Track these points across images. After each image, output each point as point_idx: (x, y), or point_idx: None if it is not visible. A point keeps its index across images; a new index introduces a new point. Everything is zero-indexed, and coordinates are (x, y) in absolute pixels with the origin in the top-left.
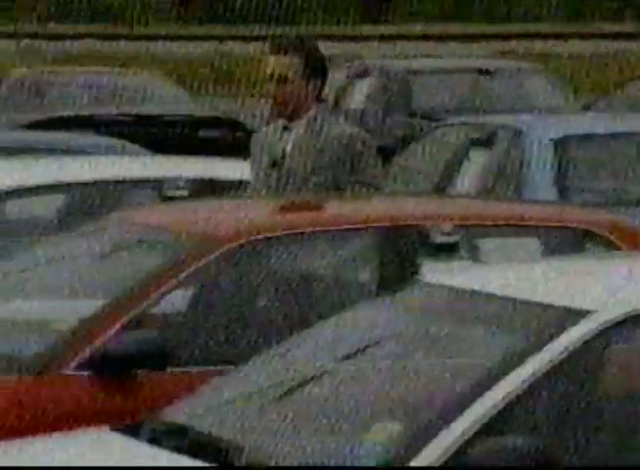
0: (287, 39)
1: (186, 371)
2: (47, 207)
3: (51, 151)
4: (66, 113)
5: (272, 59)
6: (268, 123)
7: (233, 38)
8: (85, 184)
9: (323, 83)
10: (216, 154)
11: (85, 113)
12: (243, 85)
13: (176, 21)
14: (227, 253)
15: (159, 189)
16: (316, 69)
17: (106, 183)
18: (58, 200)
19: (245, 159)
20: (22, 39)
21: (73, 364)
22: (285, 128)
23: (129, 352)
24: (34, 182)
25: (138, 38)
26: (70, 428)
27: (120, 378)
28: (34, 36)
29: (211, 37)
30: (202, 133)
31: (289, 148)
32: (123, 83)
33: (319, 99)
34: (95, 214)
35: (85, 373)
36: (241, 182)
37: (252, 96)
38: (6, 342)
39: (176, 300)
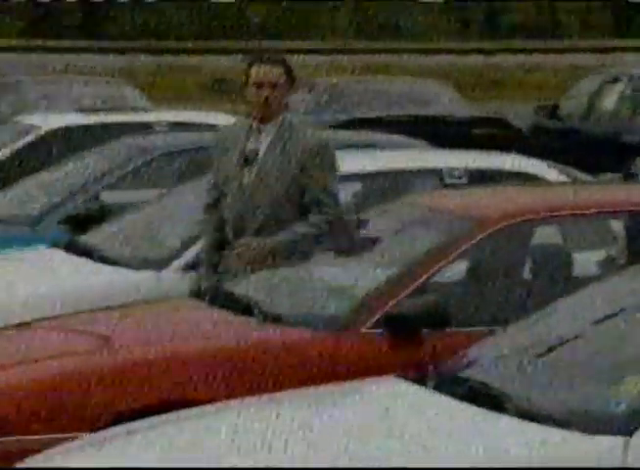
0: (273, 53)
1: (462, 331)
2: (348, 192)
3: (353, 146)
4: (364, 114)
5: (261, 68)
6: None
7: (503, 51)
8: (380, 173)
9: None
10: (488, 148)
11: (380, 114)
12: (509, 91)
13: (455, 38)
14: (497, 231)
15: (440, 177)
16: (291, 80)
17: (396, 172)
18: (357, 186)
19: (511, 153)
20: (328, 55)
21: (369, 323)
22: (258, 130)
23: (415, 313)
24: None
25: (424, 52)
26: (363, 377)
27: (408, 336)
28: (336, 52)
29: (488, 51)
30: (475, 131)
31: (263, 147)
32: (412, 90)
33: (286, 106)
34: (388, 199)
35: (378, 331)
36: (510, 173)
37: (517, 99)
38: (312, 303)
39: (455, 271)
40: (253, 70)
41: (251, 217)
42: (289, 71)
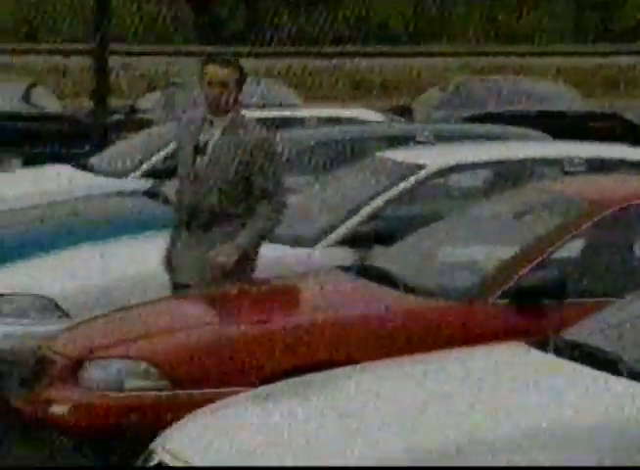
0: (227, 56)
1: (580, 301)
2: (479, 179)
3: (483, 137)
4: (492, 110)
5: (217, 69)
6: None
7: (618, 54)
8: (506, 162)
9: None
10: (602, 140)
11: (505, 109)
12: (623, 88)
13: (572, 40)
14: (612, 213)
15: (561, 166)
16: (243, 81)
17: (521, 161)
18: (487, 173)
19: (625, 144)
20: (457, 56)
21: (496, 295)
22: (211, 123)
23: (538, 285)
24: (469, 160)
25: (543, 54)
26: (489, 343)
27: (531, 306)
28: (466, 54)
29: (602, 53)
30: (590, 124)
31: (214, 139)
32: (533, 88)
33: (239, 103)
34: (513, 185)
35: (504, 301)
36: (622, 161)
37: (631, 97)
38: (446, 276)
39: (574, 248)
40: (207, 70)
41: (202, 201)
42: (239, 71)
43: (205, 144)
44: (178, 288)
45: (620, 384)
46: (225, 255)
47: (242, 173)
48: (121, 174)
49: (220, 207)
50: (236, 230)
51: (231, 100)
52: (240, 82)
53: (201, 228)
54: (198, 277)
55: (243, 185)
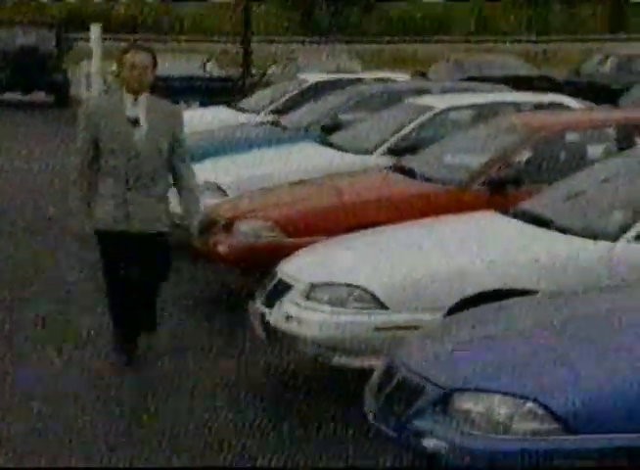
0: (143, 43)
1: (530, 188)
2: (467, 115)
3: (469, 90)
4: (475, 75)
5: (139, 54)
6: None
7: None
8: (485, 105)
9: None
10: (539, 91)
11: (481, 75)
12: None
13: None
14: (547, 134)
15: (517, 107)
16: (156, 64)
17: (493, 104)
18: (471, 112)
19: None
20: (454, 43)
21: (478, 183)
22: (134, 100)
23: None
24: (462, 103)
25: (505, 42)
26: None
27: (499, 194)
28: None
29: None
30: (532, 82)
31: (142, 114)
32: (499, 61)
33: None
34: (487, 119)
35: (483, 188)
36: (551, 104)
37: (552, 65)
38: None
39: (526, 155)
40: (129, 55)
41: (142, 167)
42: (154, 57)
43: (137, 119)
44: (134, 236)
45: (549, 234)
46: (196, 218)
47: (169, 141)
48: (257, 111)
49: (155, 170)
50: (165, 189)
51: (150, 79)
52: (154, 65)
53: (140, 187)
54: (153, 225)
55: (169, 150)
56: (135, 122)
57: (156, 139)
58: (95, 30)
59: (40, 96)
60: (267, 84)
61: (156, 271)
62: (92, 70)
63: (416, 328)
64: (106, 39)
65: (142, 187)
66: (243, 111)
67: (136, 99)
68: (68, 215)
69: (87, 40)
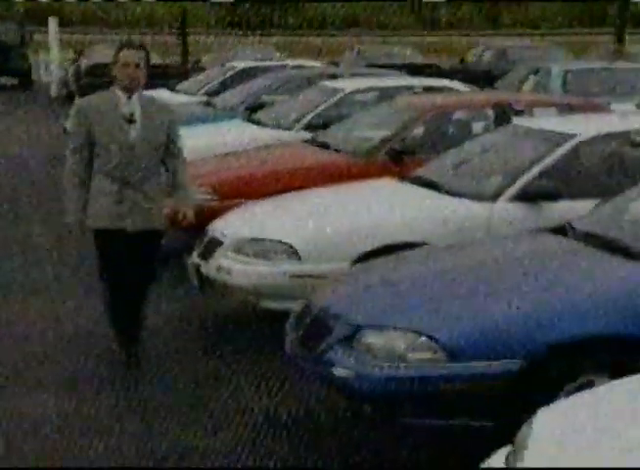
0: (136, 41)
1: (424, 158)
2: (373, 96)
3: (375, 75)
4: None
5: (131, 52)
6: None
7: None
8: (389, 88)
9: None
10: (426, 76)
11: (387, 63)
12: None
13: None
14: (433, 114)
15: (412, 90)
16: (149, 61)
17: (395, 88)
18: (376, 93)
19: None
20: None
21: (380, 154)
22: (129, 97)
23: (402, 150)
24: (374, 85)
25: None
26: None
27: (398, 163)
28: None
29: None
30: (424, 69)
31: (137, 111)
32: (402, 53)
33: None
34: (388, 100)
35: (385, 158)
36: (443, 88)
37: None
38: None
39: (420, 128)
40: (122, 54)
41: (138, 164)
42: (147, 55)
43: (132, 115)
44: (129, 234)
45: (439, 197)
46: (188, 208)
47: (165, 137)
48: (192, 93)
49: (149, 166)
50: (160, 185)
51: (143, 77)
52: (147, 62)
53: (136, 185)
54: (149, 222)
55: (163, 147)
56: (130, 120)
57: (151, 136)
58: (52, 24)
59: (7, 80)
60: (201, 70)
61: (147, 270)
62: (50, 58)
63: (325, 277)
64: (62, 32)
65: (137, 184)
66: (180, 93)
67: (130, 96)
68: (59, 211)
69: (46, 32)
